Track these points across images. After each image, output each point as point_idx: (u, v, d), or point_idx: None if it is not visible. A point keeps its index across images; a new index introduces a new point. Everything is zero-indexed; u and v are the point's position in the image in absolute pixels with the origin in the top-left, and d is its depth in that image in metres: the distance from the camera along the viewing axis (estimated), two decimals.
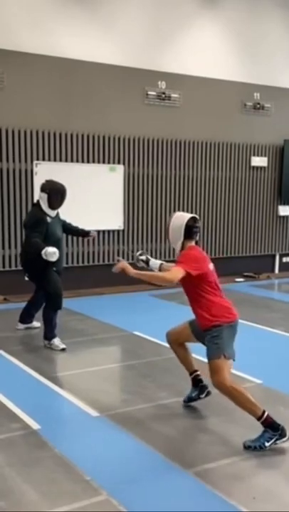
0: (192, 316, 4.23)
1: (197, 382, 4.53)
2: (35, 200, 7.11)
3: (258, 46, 10.60)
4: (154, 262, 4.57)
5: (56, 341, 6.10)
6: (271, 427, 3.83)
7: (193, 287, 4.08)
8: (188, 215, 4.18)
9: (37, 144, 8.57)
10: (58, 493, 3.30)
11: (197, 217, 4.23)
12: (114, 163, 9.26)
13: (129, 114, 9.34)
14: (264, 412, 3.86)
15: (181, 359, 4.54)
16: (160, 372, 5.39)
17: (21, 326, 6.80)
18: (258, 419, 3.86)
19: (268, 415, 3.85)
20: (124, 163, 9.34)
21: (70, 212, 6.51)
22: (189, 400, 4.56)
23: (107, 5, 9.01)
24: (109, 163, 9.21)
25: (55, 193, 6.05)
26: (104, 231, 9.17)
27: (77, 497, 3.25)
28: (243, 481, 3.48)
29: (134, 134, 9.40)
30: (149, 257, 4.62)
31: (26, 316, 6.77)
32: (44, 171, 8.28)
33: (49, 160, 8.66)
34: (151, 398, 4.76)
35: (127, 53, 9.23)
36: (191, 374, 4.55)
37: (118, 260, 4.23)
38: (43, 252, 5.73)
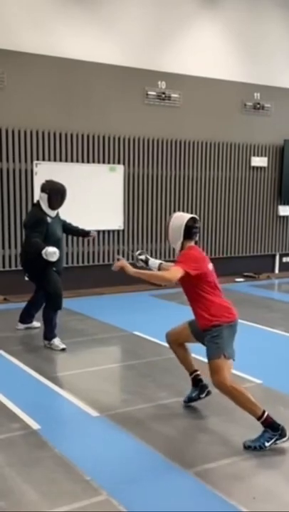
0: (192, 316, 4.23)
1: (197, 382, 4.54)
2: (35, 200, 7.11)
3: (258, 46, 10.60)
4: (153, 262, 4.58)
5: (56, 341, 6.10)
6: (271, 426, 3.83)
7: (193, 287, 4.09)
8: (187, 216, 4.19)
9: (37, 144, 8.57)
10: (58, 493, 3.30)
11: (197, 217, 4.24)
12: (114, 163, 9.26)
13: (129, 114, 9.34)
14: (264, 411, 3.86)
15: (180, 359, 4.54)
16: (160, 372, 5.39)
17: (21, 326, 6.80)
18: (258, 419, 3.86)
19: (268, 415, 3.85)
20: (124, 163, 9.34)
21: (70, 212, 6.51)
22: (189, 400, 4.56)
23: (107, 5, 9.01)
24: (109, 163, 9.21)
25: (55, 193, 6.05)
26: (104, 231, 9.17)
27: (77, 497, 3.25)
28: (243, 481, 3.48)
29: (134, 134, 9.40)
30: (149, 257, 4.64)
31: (26, 316, 6.77)
32: (44, 171, 8.28)
33: (49, 160, 8.66)
34: (151, 398, 4.76)
35: (127, 53, 9.23)
36: (191, 374, 4.55)
37: (118, 259, 4.24)
38: (43, 251, 5.73)
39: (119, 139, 9.26)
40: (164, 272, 4.21)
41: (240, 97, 10.49)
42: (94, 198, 8.94)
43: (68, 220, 6.47)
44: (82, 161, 8.97)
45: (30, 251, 5.95)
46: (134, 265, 4.33)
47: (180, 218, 4.18)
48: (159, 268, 4.50)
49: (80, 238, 8.52)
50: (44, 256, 5.73)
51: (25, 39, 8.35)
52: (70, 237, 8.45)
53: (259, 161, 10.79)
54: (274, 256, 11.40)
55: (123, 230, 9.47)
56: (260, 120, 10.78)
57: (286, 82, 11.03)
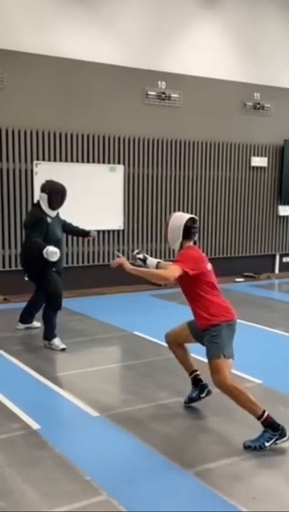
0: (192, 317, 4.23)
1: (197, 382, 4.54)
2: (35, 200, 7.11)
3: (258, 46, 10.60)
4: (152, 261, 4.62)
5: (56, 341, 6.10)
6: (271, 426, 3.83)
7: (192, 287, 4.10)
8: (187, 216, 4.21)
9: (37, 144, 8.57)
10: (58, 493, 3.30)
11: (196, 217, 4.26)
12: (114, 163, 9.26)
13: (129, 114, 9.34)
14: (264, 411, 3.86)
15: (180, 359, 4.55)
16: (160, 372, 5.39)
17: (21, 325, 6.80)
18: (258, 418, 3.86)
19: (268, 415, 3.86)
20: (124, 163, 9.34)
21: (70, 212, 6.51)
22: (190, 400, 4.56)
23: (107, 5, 9.01)
24: (109, 163, 9.21)
25: (56, 193, 6.05)
26: (104, 231, 9.17)
27: (77, 497, 3.25)
28: (243, 481, 3.48)
29: (134, 134, 9.40)
30: (147, 256, 4.68)
31: (27, 316, 6.77)
32: (44, 171, 8.28)
33: (49, 160, 8.66)
34: (151, 398, 4.76)
35: (127, 53, 9.24)
36: (190, 374, 4.55)
37: (118, 256, 4.26)
38: (44, 251, 5.73)
39: (119, 139, 9.26)
40: (162, 270, 4.23)
41: (240, 97, 10.49)
42: (94, 198, 8.94)
43: (68, 220, 6.47)
44: (82, 161, 8.97)
45: (31, 251, 5.94)
46: (132, 264, 4.33)
47: (179, 218, 4.20)
48: (157, 267, 4.52)
49: (80, 238, 8.52)
50: (45, 255, 5.73)
51: (25, 39, 8.35)
52: (70, 237, 8.45)
53: (259, 161, 10.79)
54: (274, 256, 11.40)
55: (123, 230, 9.47)
56: (260, 120, 10.78)
57: (286, 82, 11.03)
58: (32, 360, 5.67)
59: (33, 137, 8.53)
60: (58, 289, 6.08)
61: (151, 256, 4.88)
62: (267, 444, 3.80)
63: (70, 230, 6.63)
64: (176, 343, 4.49)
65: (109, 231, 9.31)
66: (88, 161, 9.02)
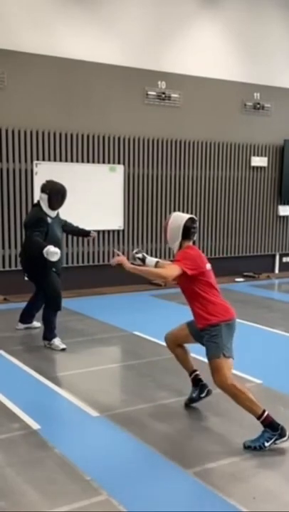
0: (192, 317, 4.24)
1: (197, 382, 4.54)
2: (35, 201, 7.11)
3: (258, 46, 10.60)
4: (150, 260, 4.63)
5: (56, 341, 6.10)
6: (271, 426, 3.83)
7: (191, 286, 4.10)
8: (186, 216, 4.23)
9: (37, 144, 8.57)
10: (58, 493, 3.31)
11: (195, 217, 4.27)
12: (114, 163, 9.26)
13: (129, 114, 9.35)
14: (264, 411, 3.86)
15: (180, 360, 4.55)
16: (160, 372, 5.39)
17: (21, 325, 6.80)
18: (258, 418, 3.86)
19: (267, 414, 3.86)
20: (124, 163, 9.34)
21: (70, 212, 6.51)
22: (191, 401, 4.56)
23: (107, 5, 9.01)
24: (109, 163, 9.21)
25: (56, 193, 6.05)
26: (104, 231, 9.17)
27: (77, 497, 3.26)
28: (243, 481, 3.48)
29: (134, 134, 9.41)
30: (146, 255, 4.69)
31: (27, 316, 6.77)
32: (44, 171, 8.28)
33: (49, 160, 8.67)
34: (151, 398, 4.76)
35: (127, 53, 9.24)
36: (190, 374, 4.55)
37: (118, 254, 4.28)
38: (44, 250, 5.72)
39: (119, 139, 9.26)
40: (161, 269, 4.24)
41: (240, 97, 10.49)
42: (94, 198, 8.94)
43: (68, 220, 6.48)
44: (82, 161, 8.97)
45: (31, 250, 5.93)
46: (132, 263, 4.34)
47: (178, 218, 4.21)
48: (156, 266, 4.53)
49: (80, 238, 8.54)
50: (45, 255, 5.72)
51: (25, 39, 8.36)
52: (70, 237, 8.46)
53: (259, 161, 10.80)
54: (274, 256, 11.40)
55: (123, 230, 9.47)
56: (260, 120, 10.78)
57: (286, 82, 11.03)
58: (32, 360, 5.67)
59: (33, 137, 8.53)
60: (58, 289, 6.08)
61: (151, 256, 4.89)
62: (267, 444, 3.80)
63: (71, 229, 6.64)
64: (175, 343, 4.49)
65: (109, 231, 9.32)
66: (88, 161, 9.02)
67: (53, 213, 6.10)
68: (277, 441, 3.82)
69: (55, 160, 8.71)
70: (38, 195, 6.51)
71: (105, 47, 9.04)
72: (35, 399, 4.76)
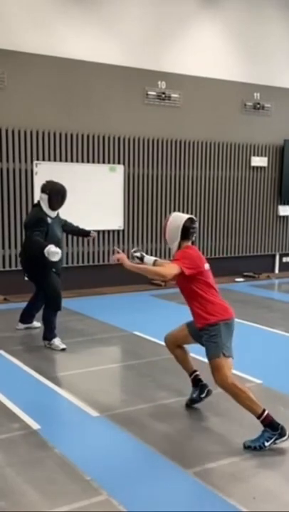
0: (192, 317, 4.24)
1: (197, 382, 4.54)
2: (35, 201, 7.11)
3: (258, 46, 10.60)
4: (149, 259, 4.65)
5: (56, 341, 6.10)
6: (271, 425, 3.83)
7: (189, 285, 4.11)
8: (185, 216, 4.24)
9: (37, 144, 8.57)
10: (58, 493, 3.31)
11: (194, 218, 4.28)
12: (114, 163, 9.26)
13: (129, 114, 9.35)
14: (264, 410, 3.86)
15: (179, 360, 4.55)
16: (160, 372, 5.39)
17: (21, 325, 6.80)
18: (258, 417, 3.87)
19: (267, 414, 3.86)
20: (124, 163, 9.34)
21: (70, 212, 6.51)
22: (192, 402, 4.55)
23: (107, 5, 9.01)
24: (109, 163, 9.21)
25: (56, 193, 6.05)
26: (104, 231, 9.17)
27: (77, 497, 3.26)
28: (243, 481, 3.48)
29: (134, 134, 9.41)
30: (144, 254, 4.70)
31: (27, 316, 6.77)
32: (44, 171, 8.29)
33: (49, 160, 8.67)
34: (152, 398, 4.77)
35: (127, 53, 9.24)
36: (190, 375, 4.55)
37: (118, 251, 4.29)
38: (45, 250, 5.71)
39: (119, 139, 9.26)
40: (160, 267, 4.25)
41: (240, 97, 10.49)
42: (94, 198, 8.94)
43: (69, 220, 6.48)
44: (82, 161, 8.97)
45: (32, 250, 5.93)
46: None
47: (178, 219, 4.22)
48: (154, 264, 4.54)
49: (80, 238, 8.55)
50: (46, 255, 5.71)
51: (26, 39, 8.36)
52: (70, 237, 8.46)
53: (259, 161, 10.80)
54: (274, 256, 11.40)
55: (123, 230, 9.47)
56: (260, 120, 10.78)
57: (286, 82, 11.03)
58: (32, 360, 5.67)
59: (33, 137, 8.53)
60: (58, 289, 6.08)
61: (151, 256, 4.89)
62: (267, 444, 3.80)
63: (71, 229, 6.64)
64: (175, 344, 4.50)
65: (109, 231, 9.32)
66: (88, 161, 9.02)
67: (53, 213, 6.10)
68: (277, 441, 3.83)
69: (55, 160, 8.71)
70: (38, 195, 6.52)
71: (105, 47, 9.04)
72: (35, 399, 4.76)
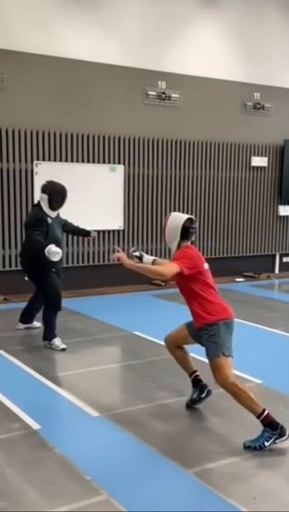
0: (191, 317, 4.24)
1: (197, 383, 4.54)
2: (35, 201, 7.11)
3: (258, 46, 10.60)
4: (148, 258, 4.65)
5: (56, 341, 6.10)
6: (271, 425, 3.83)
7: (189, 286, 4.11)
8: (185, 216, 4.25)
9: (37, 144, 8.57)
10: (58, 493, 3.31)
11: (194, 218, 4.29)
12: (114, 163, 9.26)
13: (129, 114, 9.35)
14: (264, 410, 3.87)
15: (179, 361, 4.55)
16: (160, 372, 5.39)
17: (21, 325, 6.80)
18: (258, 417, 3.87)
19: (267, 413, 3.86)
20: (124, 163, 9.34)
21: (70, 212, 6.51)
22: (192, 402, 4.55)
23: (107, 5, 9.01)
24: (109, 163, 9.21)
25: (56, 194, 6.05)
26: (104, 231, 9.17)
27: (77, 497, 3.26)
28: (243, 481, 3.48)
29: (134, 134, 9.41)
30: (143, 253, 4.71)
31: (27, 316, 6.77)
32: (44, 171, 8.29)
33: (49, 160, 8.67)
34: (152, 398, 4.77)
35: (127, 53, 9.24)
36: (190, 375, 4.55)
37: (118, 250, 4.29)
38: (46, 249, 5.70)
39: (119, 139, 9.26)
40: (159, 266, 4.26)
41: (240, 97, 10.49)
42: (94, 198, 8.94)
43: (69, 220, 6.48)
44: (82, 161, 8.97)
45: (33, 249, 5.93)
46: None
47: (177, 219, 4.23)
48: (153, 264, 4.54)
49: (80, 238, 8.55)
50: (46, 254, 5.71)
51: (26, 39, 8.36)
52: (70, 237, 8.46)
53: (259, 161, 10.80)
54: (274, 256, 11.40)
55: (123, 230, 9.47)
56: (260, 120, 10.78)
57: (286, 82, 11.03)
58: (32, 360, 5.67)
59: (33, 137, 8.53)
60: (58, 289, 6.08)
61: (151, 256, 4.89)
62: (266, 444, 3.81)
63: (71, 229, 6.64)
64: (175, 345, 4.50)
65: (109, 231, 9.32)
66: (88, 161, 9.02)
67: (53, 214, 6.10)
68: (277, 441, 3.83)
69: (55, 160, 8.71)
70: (38, 195, 6.52)
71: (105, 47, 9.04)
72: (36, 399, 4.76)
